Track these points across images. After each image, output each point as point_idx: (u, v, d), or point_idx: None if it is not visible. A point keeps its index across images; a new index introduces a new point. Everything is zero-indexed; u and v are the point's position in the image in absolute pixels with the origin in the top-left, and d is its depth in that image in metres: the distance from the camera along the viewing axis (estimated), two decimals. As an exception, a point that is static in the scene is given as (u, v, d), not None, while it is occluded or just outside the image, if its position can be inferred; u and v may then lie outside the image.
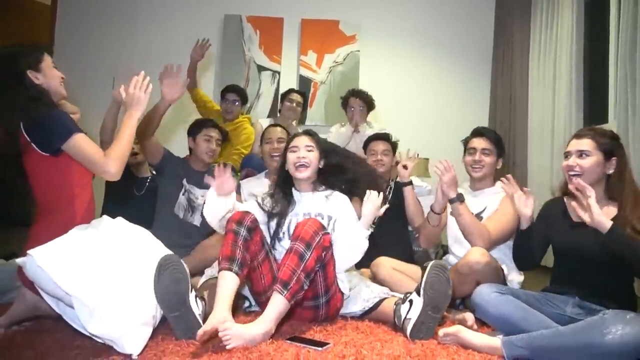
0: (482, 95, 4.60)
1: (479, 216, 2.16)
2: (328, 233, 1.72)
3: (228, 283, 1.60)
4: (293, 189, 2.01)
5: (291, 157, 1.96)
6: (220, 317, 1.50)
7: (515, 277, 2.08)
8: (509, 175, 1.94)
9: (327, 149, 2.04)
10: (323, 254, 1.68)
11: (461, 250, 2.16)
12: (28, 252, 1.44)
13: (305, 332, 1.70)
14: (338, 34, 4.60)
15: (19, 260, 1.49)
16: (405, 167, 2.47)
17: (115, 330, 1.41)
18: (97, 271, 1.45)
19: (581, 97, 3.43)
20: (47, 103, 1.69)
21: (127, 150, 1.70)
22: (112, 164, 1.62)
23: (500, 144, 2.27)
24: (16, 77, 1.68)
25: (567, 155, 1.74)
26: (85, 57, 4.56)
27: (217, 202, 1.80)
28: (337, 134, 3.40)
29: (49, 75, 1.74)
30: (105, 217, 1.69)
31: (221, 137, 2.68)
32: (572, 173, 1.69)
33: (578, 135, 1.75)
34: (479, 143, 2.24)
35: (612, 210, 1.67)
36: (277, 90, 4.54)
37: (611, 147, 1.67)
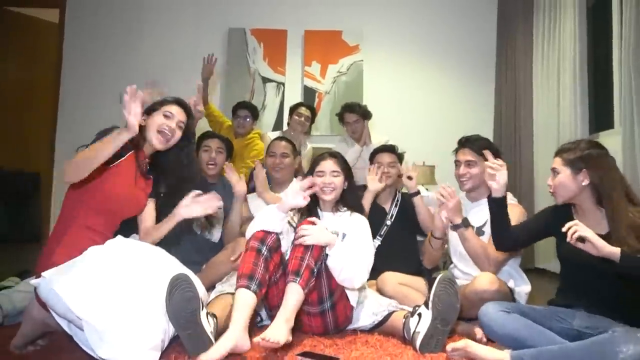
0: (487, 101, 4.58)
1: (480, 230, 2.15)
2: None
3: (246, 302, 1.62)
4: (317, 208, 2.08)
5: (317, 180, 2.03)
6: (232, 342, 1.51)
7: (523, 289, 2.08)
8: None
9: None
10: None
11: (465, 267, 2.17)
12: (42, 274, 1.46)
13: (316, 347, 1.72)
14: (341, 44, 4.64)
15: (33, 282, 1.52)
16: (410, 178, 2.50)
17: (124, 356, 1.41)
18: (109, 295, 1.46)
19: (586, 101, 3.42)
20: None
21: (89, 159, 1.59)
22: (65, 165, 1.62)
23: (489, 150, 2.12)
24: None
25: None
26: (93, 74, 4.64)
27: (276, 218, 1.79)
28: (346, 155, 3.36)
29: (151, 119, 1.86)
30: (119, 237, 1.69)
31: (223, 145, 2.66)
32: (550, 190, 1.74)
33: (554, 154, 1.76)
34: (462, 155, 2.19)
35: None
36: (282, 101, 4.59)
37: (578, 160, 1.65)
